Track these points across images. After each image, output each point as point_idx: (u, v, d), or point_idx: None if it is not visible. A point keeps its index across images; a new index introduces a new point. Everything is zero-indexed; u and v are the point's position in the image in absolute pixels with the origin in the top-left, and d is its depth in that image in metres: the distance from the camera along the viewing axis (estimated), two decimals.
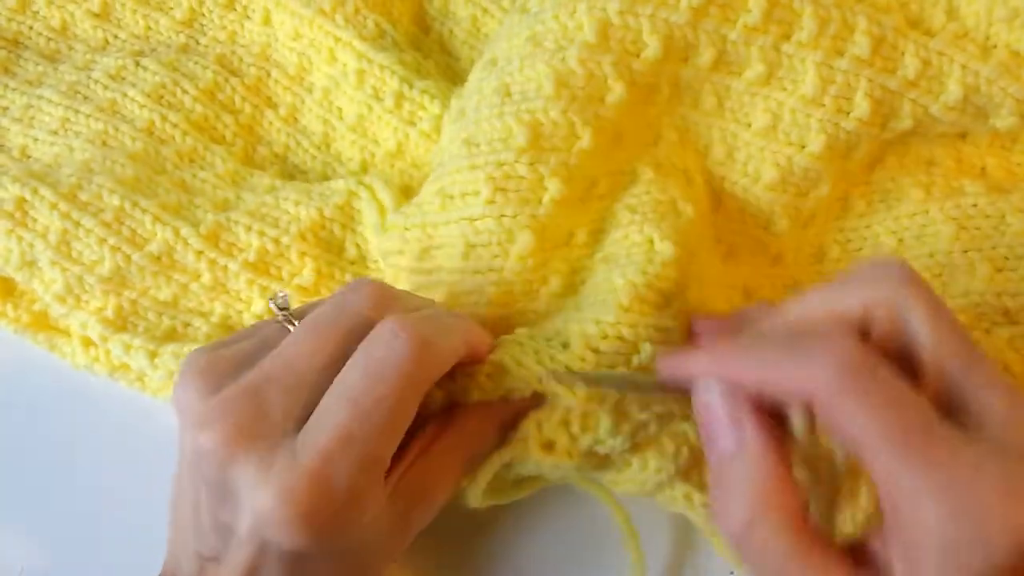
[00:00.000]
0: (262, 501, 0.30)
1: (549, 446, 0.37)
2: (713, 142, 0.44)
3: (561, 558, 0.41)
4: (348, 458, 0.31)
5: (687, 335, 0.38)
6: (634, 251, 0.39)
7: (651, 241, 0.39)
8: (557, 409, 0.36)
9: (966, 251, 0.44)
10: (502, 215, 0.40)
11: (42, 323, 0.46)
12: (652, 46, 0.42)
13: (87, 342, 0.45)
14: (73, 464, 0.45)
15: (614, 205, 0.42)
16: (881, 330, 0.31)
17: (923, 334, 0.30)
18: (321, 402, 0.32)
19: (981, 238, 0.44)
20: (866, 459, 0.29)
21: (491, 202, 0.40)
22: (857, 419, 0.28)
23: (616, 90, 0.42)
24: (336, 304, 0.35)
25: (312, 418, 0.32)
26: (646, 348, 0.37)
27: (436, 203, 0.41)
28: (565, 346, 0.37)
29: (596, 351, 0.37)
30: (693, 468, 0.37)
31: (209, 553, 0.33)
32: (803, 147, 0.43)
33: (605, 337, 0.37)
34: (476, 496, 0.37)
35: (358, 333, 0.33)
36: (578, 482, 0.39)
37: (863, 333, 0.31)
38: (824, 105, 0.42)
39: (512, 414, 0.37)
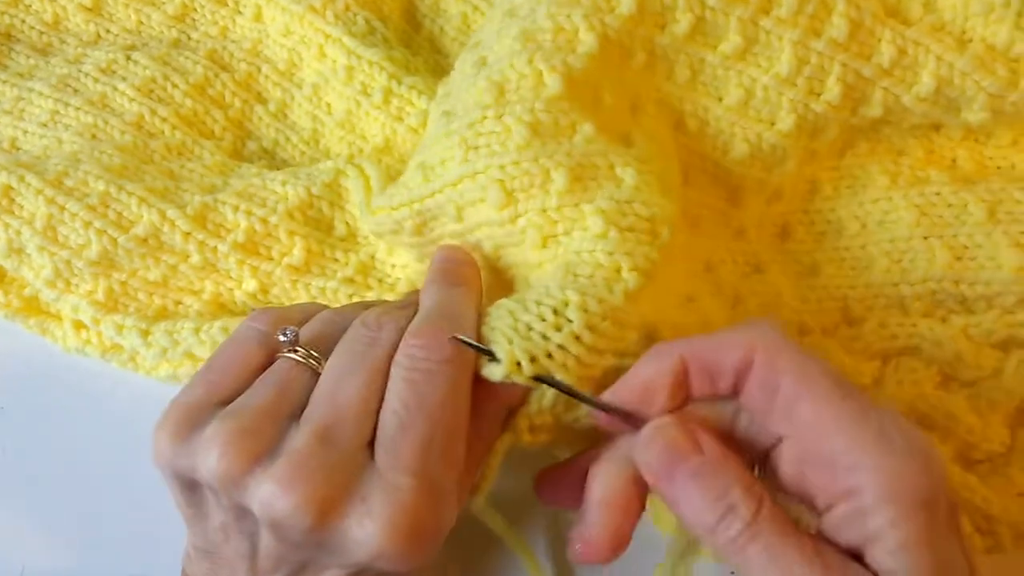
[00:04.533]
0: (373, 543, 0.30)
1: (534, 429, 0.36)
2: (685, 115, 0.44)
3: None
4: (435, 466, 0.32)
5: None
6: (597, 273, 0.36)
7: (618, 270, 0.37)
8: (545, 397, 0.36)
9: (926, 237, 0.45)
10: (475, 172, 0.39)
11: (33, 308, 0.47)
12: (626, 2, 0.42)
13: (78, 325, 0.46)
14: (73, 464, 0.45)
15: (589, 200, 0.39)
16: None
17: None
18: (382, 422, 0.32)
19: (942, 225, 0.45)
20: (797, 406, 0.31)
21: (465, 161, 0.39)
22: (796, 366, 0.31)
23: (587, 41, 0.41)
24: (358, 338, 0.35)
25: (382, 442, 0.32)
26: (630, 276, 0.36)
27: (418, 177, 0.41)
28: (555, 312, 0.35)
29: (576, 276, 0.36)
30: None
31: None
32: (773, 124, 0.44)
33: (583, 264, 0.36)
34: (480, 502, 0.37)
35: (390, 354, 0.34)
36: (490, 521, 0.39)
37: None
38: (796, 85, 0.43)
39: (517, 395, 0.37)
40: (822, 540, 0.30)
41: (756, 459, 0.33)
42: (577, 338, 0.34)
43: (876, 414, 0.30)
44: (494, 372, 0.34)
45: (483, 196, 0.38)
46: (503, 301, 0.36)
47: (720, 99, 0.44)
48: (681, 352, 0.33)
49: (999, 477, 0.42)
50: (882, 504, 0.29)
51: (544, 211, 0.38)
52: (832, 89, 0.43)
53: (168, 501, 0.40)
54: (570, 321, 0.34)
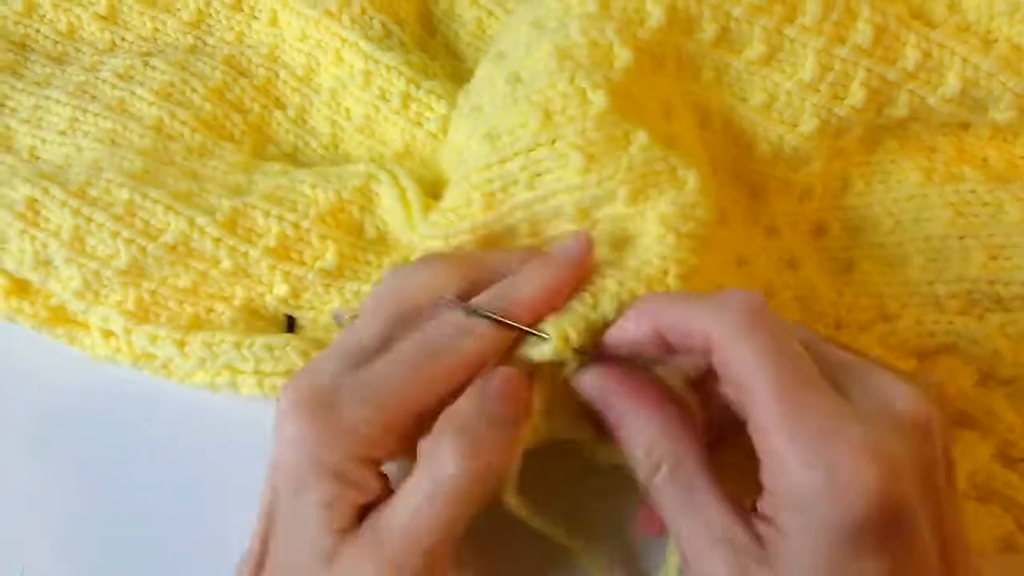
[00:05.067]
0: None
1: (550, 410, 0.37)
2: (711, 113, 0.45)
3: None
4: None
5: None
6: (644, 270, 0.38)
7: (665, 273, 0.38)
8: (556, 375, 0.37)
9: (962, 237, 0.45)
10: (546, 196, 0.40)
11: (60, 317, 0.46)
12: (655, 15, 0.42)
13: (107, 333, 0.45)
14: (74, 463, 0.44)
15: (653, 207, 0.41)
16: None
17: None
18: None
19: (978, 225, 0.45)
20: (746, 404, 0.31)
21: (531, 188, 0.40)
22: (747, 361, 0.31)
23: (623, 56, 0.42)
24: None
25: None
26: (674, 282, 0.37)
27: (478, 203, 0.41)
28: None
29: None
30: None
31: None
32: (795, 127, 0.44)
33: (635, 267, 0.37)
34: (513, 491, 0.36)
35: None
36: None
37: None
38: (820, 91, 0.43)
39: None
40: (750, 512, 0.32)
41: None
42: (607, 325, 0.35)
43: (820, 420, 0.30)
44: (544, 351, 0.35)
45: (556, 214, 0.40)
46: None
47: (744, 100, 0.45)
48: (654, 323, 0.34)
49: None
50: (791, 515, 0.30)
51: (615, 219, 0.39)
52: (856, 94, 0.43)
53: (168, 502, 0.42)
54: (604, 309, 0.36)
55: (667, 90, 0.44)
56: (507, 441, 0.34)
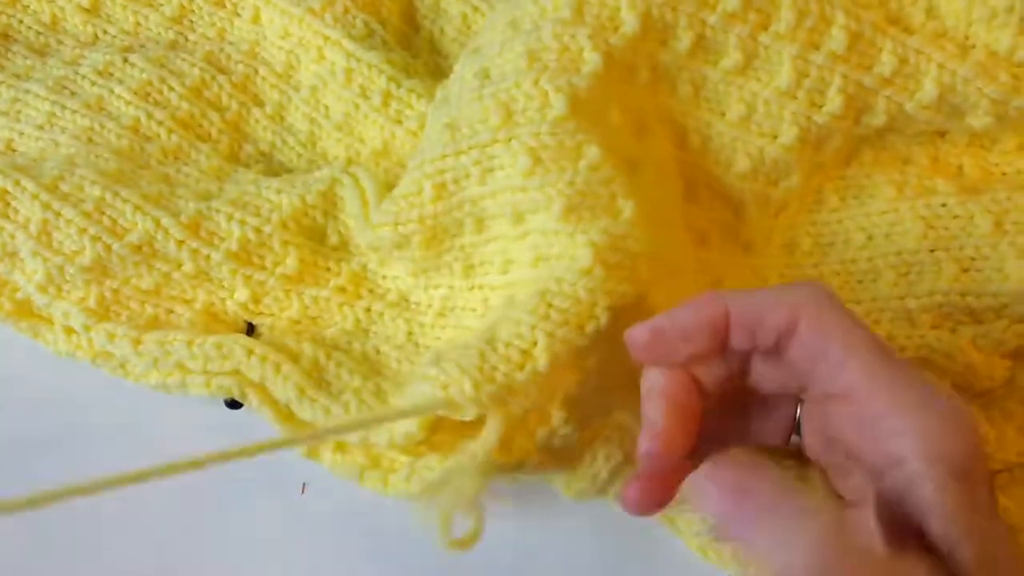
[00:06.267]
0: None
1: (507, 444, 0.36)
2: (688, 131, 0.44)
3: None
4: None
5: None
6: (572, 309, 0.37)
7: (594, 306, 0.37)
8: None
9: (933, 250, 0.44)
10: (495, 192, 0.40)
11: (25, 311, 0.46)
12: (630, 22, 0.42)
13: (69, 330, 0.45)
14: (74, 462, 0.44)
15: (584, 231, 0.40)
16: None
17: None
18: None
19: (949, 238, 0.44)
20: (844, 368, 0.30)
21: (482, 183, 0.40)
22: (844, 323, 0.31)
23: (591, 60, 0.41)
24: None
25: None
26: (603, 314, 0.36)
27: (429, 192, 0.41)
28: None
29: (550, 307, 0.36)
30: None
31: None
32: (775, 138, 0.43)
33: (562, 296, 0.37)
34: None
35: None
36: None
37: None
38: (797, 98, 0.43)
39: None
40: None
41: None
42: (538, 375, 0.35)
43: (920, 379, 0.30)
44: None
45: (500, 212, 0.40)
46: (475, 340, 0.37)
47: (723, 114, 0.44)
48: (728, 304, 0.32)
49: (1018, 487, 0.42)
50: (929, 469, 0.29)
51: (545, 232, 0.39)
52: (834, 100, 0.42)
53: (170, 503, 0.42)
54: (535, 360, 0.35)
55: (641, 106, 0.44)
56: None
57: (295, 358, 0.43)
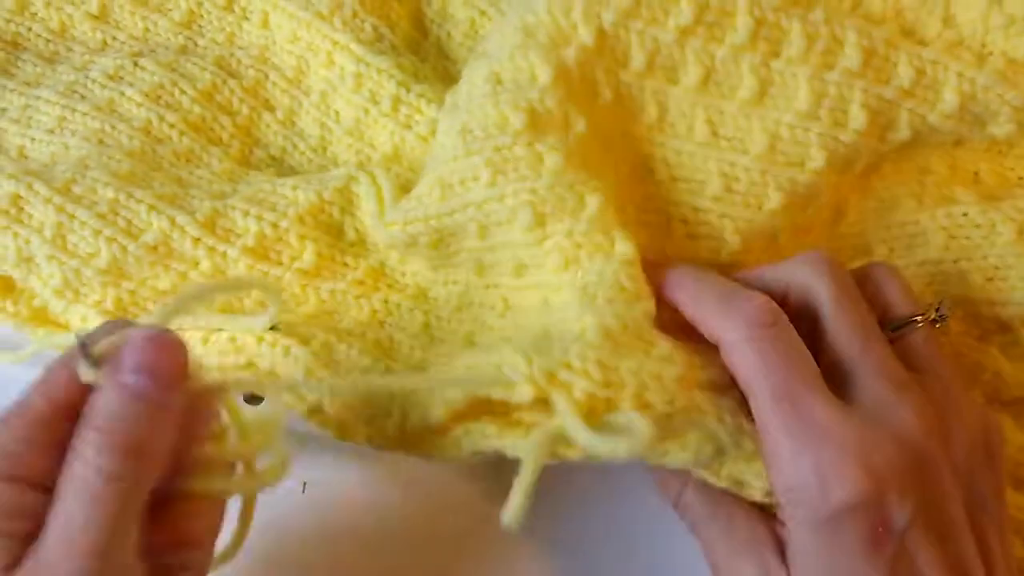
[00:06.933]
0: None
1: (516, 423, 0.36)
2: (710, 175, 0.42)
3: None
4: None
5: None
6: (619, 297, 0.37)
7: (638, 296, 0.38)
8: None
9: (956, 260, 0.44)
10: (503, 195, 0.39)
11: (42, 318, 0.46)
12: (637, 60, 0.42)
13: None
14: None
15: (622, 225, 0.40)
16: (796, 303, 0.36)
17: (826, 315, 0.35)
18: None
19: (972, 248, 0.44)
20: (751, 402, 0.34)
21: (492, 184, 0.39)
22: (750, 366, 0.33)
23: (605, 95, 0.42)
24: None
25: None
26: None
27: (436, 194, 0.41)
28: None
29: (595, 296, 0.37)
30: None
31: None
32: (803, 165, 0.42)
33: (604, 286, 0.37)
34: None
35: None
36: None
37: (783, 304, 0.36)
38: (820, 119, 0.42)
39: None
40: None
41: None
42: (593, 349, 0.34)
43: (813, 422, 0.32)
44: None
45: (511, 218, 0.39)
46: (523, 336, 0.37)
47: (746, 151, 0.42)
48: (690, 303, 0.37)
49: None
50: (790, 510, 0.32)
51: (571, 235, 0.38)
52: (857, 117, 0.41)
53: None
54: (587, 334, 0.35)
55: (645, 143, 0.43)
56: (155, 418, 0.30)
57: (306, 341, 0.42)
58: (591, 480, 0.45)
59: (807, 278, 0.36)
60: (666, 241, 0.43)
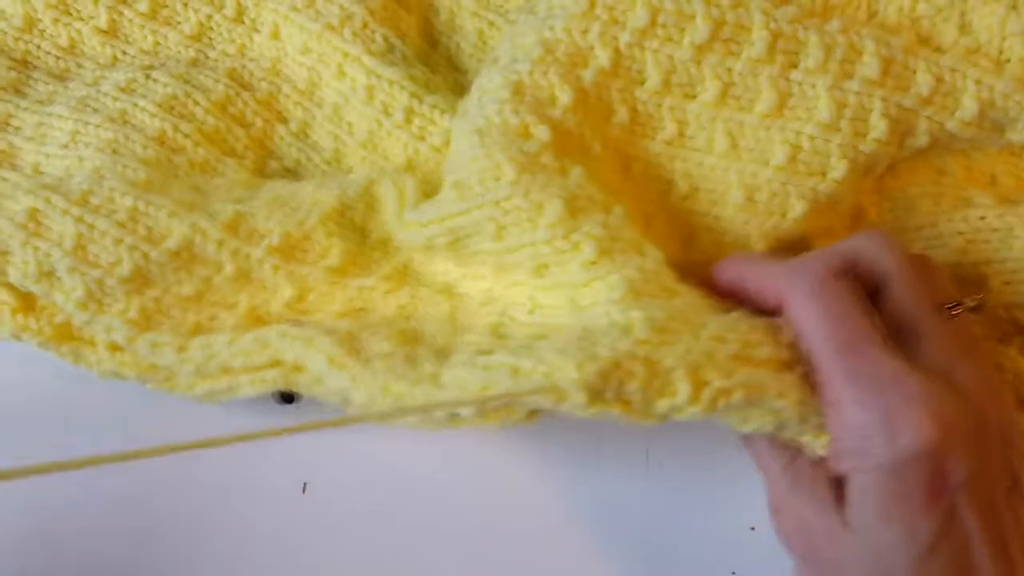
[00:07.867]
0: None
1: None
2: (731, 187, 0.43)
3: None
4: None
5: None
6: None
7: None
8: None
9: (975, 264, 0.45)
10: (528, 191, 0.39)
11: (65, 335, 0.46)
12: (653, 78, 0.42)
13: (113, 347, 0.45)
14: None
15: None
16: (862, 274, 0.36)
17: (893, 282, 0.36)
18: None
19: (989, 251, 0.45)
20: (814, 358, 0.34)
21: (516, 183, 0.40)
22: (812, 322, 0.34)
23: (620, 113, 0.42)
24: None
25: None
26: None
27: (452, 195, 0.41)
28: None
29: (639, 293, 0.37)
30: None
31: None
32: (825, 175, 0.42)
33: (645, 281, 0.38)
34: None
35: None
36: None
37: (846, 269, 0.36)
38: (841, 129, 0.42)
39: None
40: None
41: None
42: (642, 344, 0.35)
43: (877, 372, 0.33)
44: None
45: (532, 216, 0.39)
46: (564, 336, 0.37)
47: (766, 162, 0.43)
48: (744, 273, 0.39)
49: None
50: (850, 458, 0.33)
51: (606, 226, 0.39)
52: (878, 126, 0.42)
53: (171, 502, 0.43)
54: (634, 329, 0.35)
55: (666, 161, 0.44)
56: None
57: (329, 332, 0.42)
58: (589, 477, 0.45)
59: (873, 250, 0.37)
60: (691, 251, 0.44)
